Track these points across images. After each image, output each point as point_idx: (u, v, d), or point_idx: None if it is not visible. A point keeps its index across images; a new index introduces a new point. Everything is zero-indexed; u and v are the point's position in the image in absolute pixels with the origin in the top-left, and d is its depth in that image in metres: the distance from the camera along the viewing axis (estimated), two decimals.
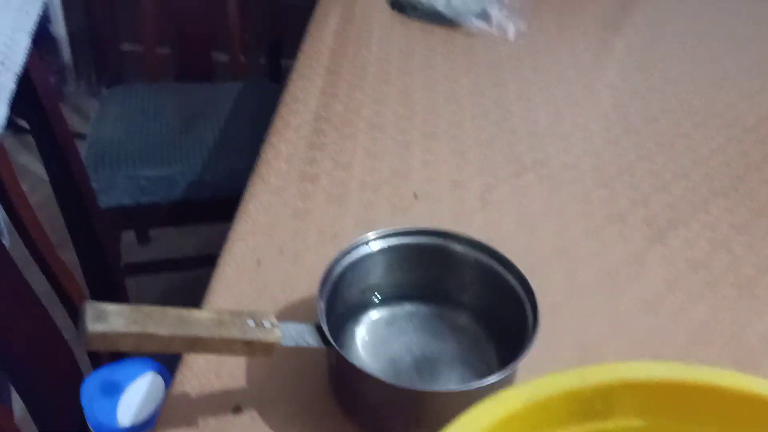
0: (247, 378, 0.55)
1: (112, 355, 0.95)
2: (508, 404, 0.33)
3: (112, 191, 1.22)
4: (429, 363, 0.57)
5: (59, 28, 2.29)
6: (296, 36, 1.17)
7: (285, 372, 0.56)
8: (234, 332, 0.46)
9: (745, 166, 0.89)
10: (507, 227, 0.75)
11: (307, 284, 0.64)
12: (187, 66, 1.49)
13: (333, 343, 0.49)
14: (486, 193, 0.80)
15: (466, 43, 1.15)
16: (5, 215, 0.80)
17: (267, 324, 0.48)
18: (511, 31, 1.18)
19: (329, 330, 0.50)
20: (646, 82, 1.09)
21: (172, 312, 0.45)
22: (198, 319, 0.46)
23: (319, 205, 0.75)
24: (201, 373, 0.55)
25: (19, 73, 0.68)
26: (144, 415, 0.58)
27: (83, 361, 0.88)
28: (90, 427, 0.58)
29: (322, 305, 0.52)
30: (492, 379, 0.48)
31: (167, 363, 0.61)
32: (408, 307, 0.61)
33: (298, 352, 0.51)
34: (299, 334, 0.50)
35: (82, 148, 1.26)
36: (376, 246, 0.59)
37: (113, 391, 0.59)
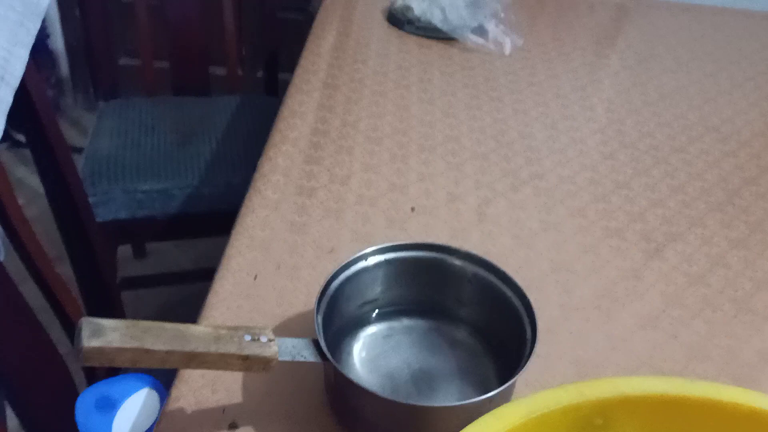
0: (244, 393, 0.55)
1: (108, 370, 0.94)
2: (506, 419, 0.33)
3: (108, 205, 1.22)
4: (427, 378, 0.57)
5: (57, 42, 2.30)
6: (293, 50, 1.18)
7: (282, 387, 0.55)
8: (231, 347, 0.46)
9: (740, 181, 0.90)
10: (504, 241, 0.75)
11: (304, 299, 0.64)
12: (184, 80, 1.49)
13: (330, 358, 0.49)
14: (483, 207, 0.80)
15: (463, 57, 1.16)
16: (1, 229, 0.79)
17: (264, 339, 0.48)
18: (507, 45, 1.19)
19: (326, 345, 0.50)
20: (641, 96, 1.10)
21: (169, 327, 0.45)
22: (194, 334, 0.45)
23: (317, 219, 0.75)
24: (197, 389, 0.55)
25: (16, 86, 0.68)
26: (139, 431, 0.57)
27: (78, 376, 0.87)
28: None
29: (319, 320, 0.52)
30: (490, 394, 0.48)
31: (163, 378, 0.60)
32: (406, 322, 0.61)
33: (295, 367, 0.50)
34: (296, 349, 0.49)
35: (79, 162, 1.26)
36: (373, 260, 0.59)
37: (108, 406, 0.59)
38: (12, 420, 0.80)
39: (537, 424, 0.34)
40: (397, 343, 0.59)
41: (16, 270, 0.79)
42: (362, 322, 0.61)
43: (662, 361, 0.62)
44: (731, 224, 0.81)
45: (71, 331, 0.91)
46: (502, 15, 1.24)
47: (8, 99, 0.67)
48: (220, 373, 0.56)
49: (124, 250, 1.77)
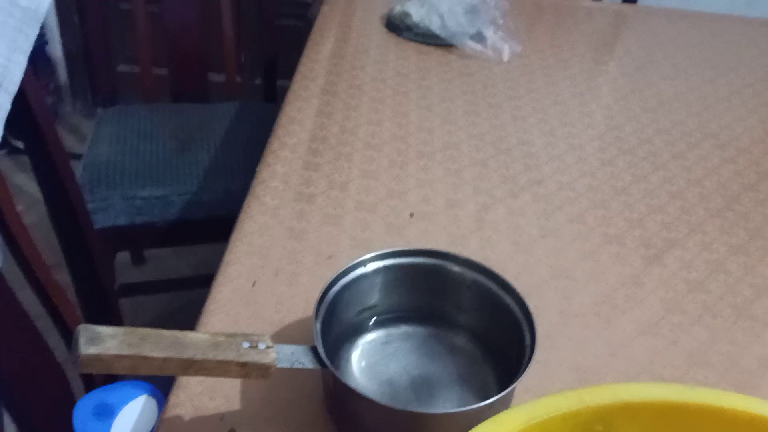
0: (242, 400, 0.55)
1: (105, 377, 0.94)
2: (506, 426, 0.33)
3: (107, 211, 1.22)
4: (426, 384, 0.56)
5: (56, 49, 2.30)
6: (292, 56, 1.18)
7: (280, 394, 0.55)
8: (229, 354, 0.46)
9: (740, 187, 0.90)
10: (503, 247, 0.75)
11: (302, 305, 0.64)
12: (183, 86, 1.49)
13: (329, 365, 0.49)
14: (482, 213, 0.80)
15: (462, 64, 1.16)
16: (0, 236, 0.79)
17: (262, 346, 0.47)
18: (505, 52, 1.19)
19: (325, 351, 0.50)
20: (640, 103, 1.10)
21: (167, 334, 0.45)
22: (193, 341, 0.45)
23: (315, 226, 0.75)
24: (195, 396, 0.55)
25: (15, 93, 0.68)
26: None
27: (76, 383, 0.87)
28: None
29: (317, 326, 0.52)
30: (489, 401, 0.48)
31: (161, 385, 0.60)
32: (405, 328, 0.61)
33: (293, 373, 0.50)
34: (295, 356, 0.49)
35: (78, 169, 1.26)
36: (372, 267, 0.59)
37: (106, 413, 0.59)
38: (10, 427, 0.80)
39: (537, 431, 0.34)
40: (396, 350, 0.59)
41: (14, 277, 0.79)
42: (361, 328, 0.60)
43: (662, 368, 0.62)
44: (731, 230, 0.81)
45: (69, 337, 0.91)
46: (501, 22, 1.24)
47: (7, 105, 0.67)
48: (218, 380, 0.55)
49: (123, 257, 1.76)
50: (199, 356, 0.45)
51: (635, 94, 1.13)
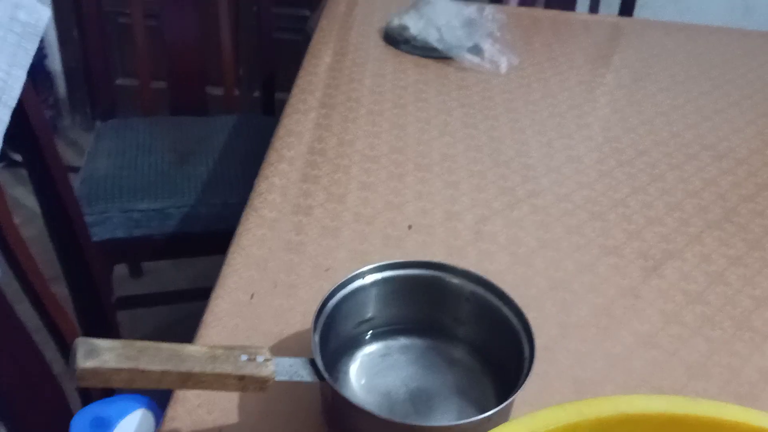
0: (240, 414, 0.54)
1: (103, 390, 0.94)
2: None
3: (105, 224, 1.22)
4: (424, 397, 0.56)
5: (55, 63, 2.31)
6: (290, 69, 1.18)
7: (279, 407, 0.55)
8: (227, 367, 0.45)
9: (738, 198, 0.90)
10: (501, 259, 0.75)
11: (301, 318, 0.64)
12: (182, 100, 1.50)
13: (327, 378, 0.49)
14: (480, 225, 0.80)
15: (459, 76, 1.17)
16: None
17: (260, 359, 0.47)
18: (503, 64, 1.19)
19: (323, 364, 0.50)
20: (638, 114, 1.10)
21: (164, 347, 0.45)
22: (190, 354, 0.45)
23: (313, 238, 0.75)
24: (192, 409, 0.54)
25: (14, 107, 0.68)
26: None
27: (73, 396, 0.86)
28: None
29: (316, 339, 0.51)
30: (488, 413, 0.47)
31: (158, 398, 0.60)
32: (403, 341, 0.61)
33: (292, 386, 0.50)
34: (293, 369, 0.49)
35: (76, 182, 1.26)
36: (370, 279, 0.59)
37: (103, 427, 0.58)
38: None
39: None
40: (395, 362, 0.59)
41: (12, 290, 0.79)
42: (359, 341, 0.60)
43: (662, 380, 0.62)
44: (729, 242, 0.81)
45: (67, 350, 0.90)
46: (498, 34, 1.24)
47: (6, 119, 0.67)
48: (216, 393, 0.55)
49: (120, 270, 1.76)
50: (197, 369, 0.44)
51: (632, 105, 1.13)
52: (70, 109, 2.41)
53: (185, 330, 0.66)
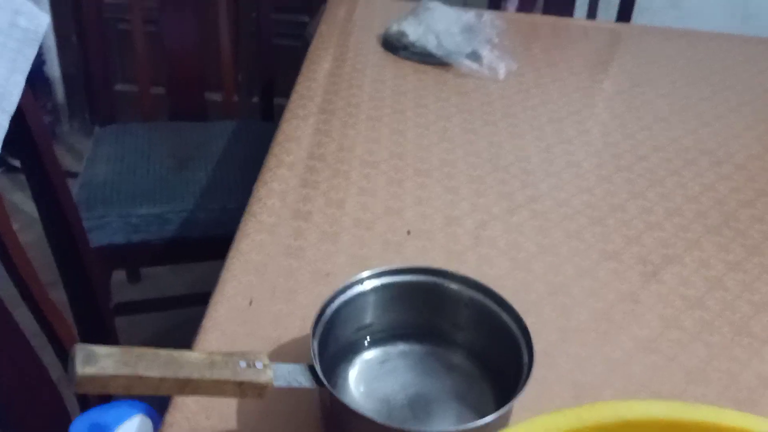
0: (239, 420, 0.54)
1: (101, 396, 0.93)
2: None
3: (104, 230, 1.22)
4: (423, 402, 0.56)
5: (53, 69, 2.31)
6: (289, 75, 1.18)
7: (277, 413, 0.55)
8: (226, 373, 0.45)
9: (736, 204, 0.90)
10: (501, 265, 0.75)
11: (300, 323, 0.64)
12: (181, 105, 1.50)
13: (326, 384, 0.49)
14: (479, 230, 0.80)
15: (458, 82, 1.17)
16: None
17: (259, 365, 0.47)
18: (501, 70, 1.20)
19: (322, 370, 0.49)
20: (636, 120, 1.10)
21: (163, 353, 0.45)
22: (189, 361, 0.45)
23: (313, 243, 0.74)
24: (191, 416, 0.54)
25: (12, 113, 0.68)
26: None
27: (71, 402, 0.86)
28: None
29: (314, 345, 0.51)
30: (487, 419, 0.47)
31: (156, 404, 0.59)
32: (402, 346, 0.61)
33: (290, 393, 0.50)
34: (292, 375, 0.49)
35: (75, 187, 1.25)
36: (369, 285, 0.59)
37: None
38: None
39: None
40: (394, 368, 0.59)
41: (10, 295, 0.78)
42: (358, 346, 0.60)
43: (661, 385, 0.62)
44: (728, 247, 0.81)
45: (64, 356, 0.90)
46: (496, 40, 1.25)
47: (5, 125, 0.67)
48: (214, 399, 0.55)
49: (119, 275, 1.76)
50: (196, 376, 0.44)
51: (631, 111, 1.13)
52: (69, 115, 2.41)
53: (184, 335, 0.66)
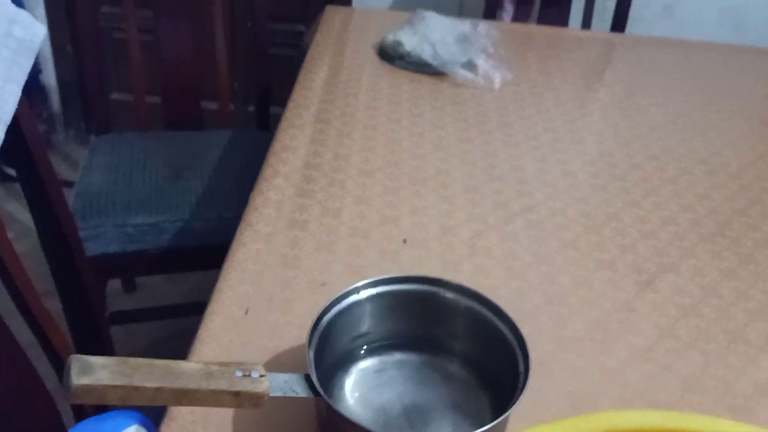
0: (235, 430, 0.54)
1: (96, 407, 0.93)
2: None
3: (99, 239, 1.21)
4: (420, 412, 0.56)
5: (49, 77, 2.31)
6: (285, 84, 1.19)
7: (274, 423, 0.55)
8: (222, 384, 0.45)
9: (731, 212, 0.90)
10: (496, 274, 0.75)
11: (296, 333, 0.64)
12: (176, 114, 1.50)
13: (322, 393, 0.49)
14: (475, 240, 0.80)
15: (453, 92, 1.17)
16: None
17: (255, 374, 0.47)
18: (496, 80, 1.20)
19: (319, 379, 0.49)
20: (631, 129, 1.11)
21: (159, 364, 0.44)
22: (185, 371, 0.45)
23: (309, 252, 0.74)
24: (187, 426, 0.54)
25: (8, 122, 0.68)
26: None
27: (66, 412, 0.86)
28: None
29: (311, 354, 0.51)
30: (483, 428, 0.47)
31: (152, 415, 0.59)
32: (398, 356, 0.61)
33: (287, 402, 0.50)
34: (288, 385, 0.49)
35: (70, 196, 1.25)
36: (365, 294, 0.59)
37: None
38: None
39: None
40: (390, 378, 0.59)
41: (5, 305, 0.78)
42: (354, 356, 0.60)
43: (657, 394, 0.62)
44: (722, 255, 0.82)
45: (59, 366, 0.90)
46: (491, 50, 1.25)
47: (0, 134, 0.67)
48: (210, 409, 0.55)
49: (114, 284, 1.75)
50: (192, 386, 0.44)
51: (626, 120, 1.14)
52: (64, 124, 2.41)
53: (179, 345, 0.66)
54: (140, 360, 0.44)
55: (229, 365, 0.47)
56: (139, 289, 1.81)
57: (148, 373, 0.43)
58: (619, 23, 1.73)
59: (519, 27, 1.59)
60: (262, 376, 0.47)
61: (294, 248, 0.75)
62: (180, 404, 0.45)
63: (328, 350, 0.56)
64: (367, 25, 1.43)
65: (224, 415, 0.55)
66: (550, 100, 1.18)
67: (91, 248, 1.21)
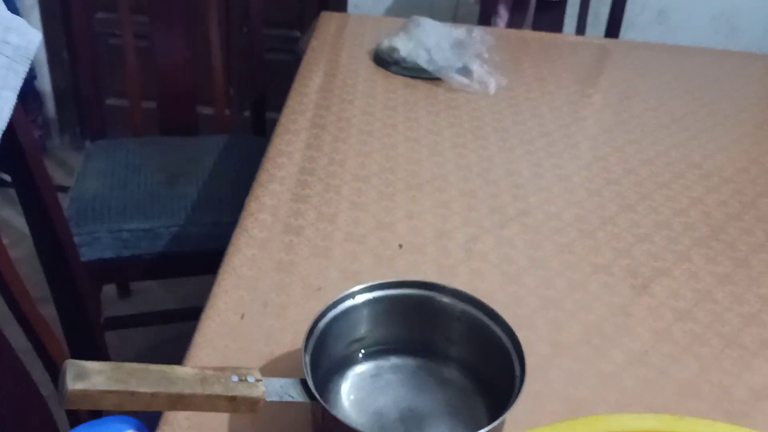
0: None
1: (91, 412, 0.93)
2: None
3: (94, 245, 1.21)
4: (415, 417, 0.56)
5: (44, 83, 2.31)
6: (281, 90, 1.19)
7: (270, 428, 0.55)
8: (217, 388, 0.45)
9: (724, 216, 0.91)
10: (492, 278, 0.75)
11: (291, 338, 0.64)
12: (172, 120, 1.50)
13: (318, 398, 0.48)
14: (471, 244, 0.80)
15: (448, 97, 1.17)
16: None
17: (251, 379, 0.47)
18: (491, 85, 1.20)
19: (315, 384, 0.49)
20: (625, 134, 1.11)
21: (154, 369, 0.44)
22: (180, 376, 0.45)
23: (304, 258, 0.74)
24: (182, 431, 0.54)
25: (3, 128, 0.68)
26: None
27: (61, 418, 0.85)
28: None
29: (307, 359, 0.51)
30: None
31: (147, 420, 0.59)
32: (394, 360, 0.61)
33: (283, 407, 0.50)
34: (284, 389, 0.49)
35: (65, 202, 1.25)
36: (361, 299, 0.59)
37: None
38: None
39: None
40: (386, 382, 0.59)
41: (0, 311, 0.78)
42: (350, 361, 0.60)
43: (653, 398, 0.62)
44: (717, 259, 0.82)
45: (54, 372, 0.89)
46: (486, 56, 1.26)
47: None
48: (206, 414, 0.55)
49: (109, 290, 1.75)
50: (187, 391, 0.44)
51: (620, 125, 1.14)
52: (60, 129, 2.41)
53: (174, 350, 0.66)
54: (136, 365, 0.44)
55: (225, 370, 0.47)
56: (134, 294, 1.80)
57: (143, 379, 0.43)
58: (613, 29, 1.74)
59: (514, 33, 1.59)
60: (258, 380, 0.47)
61: (289, 253, 0.75)
62: (175, 409, 0.45)
63: (324, 355, 0.56)
64: (362, 30, 1.43)
65: (220, 420, 0.55)
66: (545, 105, 1.19)
67: (86, 254, 1.21)
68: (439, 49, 1.22)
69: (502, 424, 0.50)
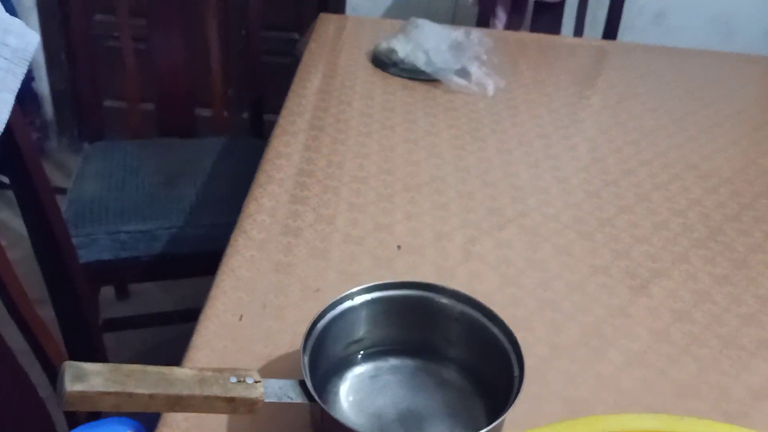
0: None
1: (89, 413, 0.92)
2: None
3: (92, 246, 1.21)
4: (414, 418, 0.56)
5: (42, 85, 2.30)
6: (279, 92, 1.19)
7: (268, 430, 0.55)
8: (216, 390, 0.45)
9: (722, 218, 0.91)
10: (490, 280, 0.75)
11: (290, 339, 0.64)
12: (170, 122, 1.50)
13: (317, 399, 0.48)
14: (469, 245, 0.80)
15: (447, 98, 1.18)
16: None
17: (250, 380, 0.47)
18: (490, 87, 1.21)
19: (313, 385, 0.49)
20: (623, 135, 1.11)
21: (153, 370, 0.44)
22: (179, 377, 0.45)
23: (303, 259, 0.74)
24: None
25: (1, 131, 0.68)
26: None
27: (59, 420, 0.85)
28: None
29: (305, 360, 0.51)
30: None
31: (146, 421, 0.59)
32: (393, 361, 0.61)
33: (281, 408, 0.50)
34: (283, 390, 0.49)
35: (63, 204, 1.25)
36: (360, 300, 0.59)
37: None
38: None
39: None
40: (385, 384, 0.59)
41: None
42: (349, 362, 0.60)
43: (652, 399, 0.62)
44: (715, 260, 0.82)
45: (52, 374, 0.89)
46: (485, 57, 1.26)
47: None
48: (205, 415, 0.55)
49: (107, 291, 1.75)
50: (185, 392, 0.44)
51: (618, 126, 1.14)
52: (58, 131, 2.40)
53: (173, 352, 0.66)
54: (134, 366, 0.44)
55: (224, 371, 0.47)
56: (133, 296, 1.80)
57: (141, 380, 0.43)
58: (610, 31, 1.75)
59: (512, 35, 1.59)
60: (256, 382, 0.47)
61: (288, 255, 0.75)
62: (174, 411, 0.45)
63: (323, 356, 0.56)
64: (360, 32, 1.43)
65: (219, 421, 0.55)
66: (543, 106, 1.19)
67: (84, 255, 1.21)
68: (437, 51, 1.22)
69: (501, 424, 0.50)
